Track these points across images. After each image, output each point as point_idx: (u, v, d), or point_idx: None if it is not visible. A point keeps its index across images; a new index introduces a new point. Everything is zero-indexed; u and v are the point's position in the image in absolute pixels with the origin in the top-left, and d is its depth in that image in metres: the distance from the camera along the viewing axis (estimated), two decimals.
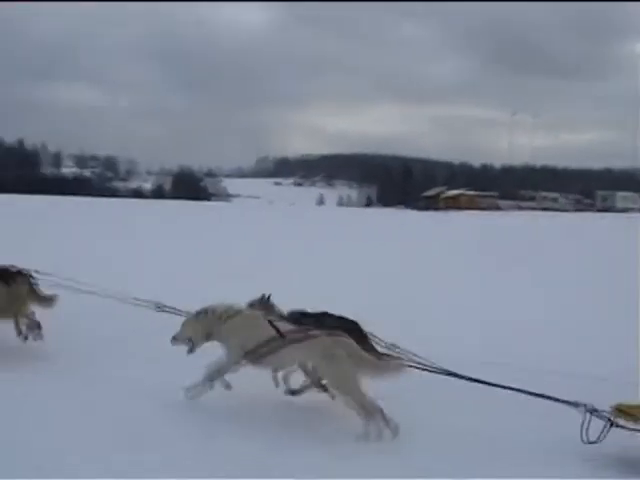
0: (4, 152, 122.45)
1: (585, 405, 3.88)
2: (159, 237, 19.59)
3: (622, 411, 3.77)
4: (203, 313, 4.32)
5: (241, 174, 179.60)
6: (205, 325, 4.25)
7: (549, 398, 4.03)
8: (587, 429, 3.75)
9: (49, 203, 43.58)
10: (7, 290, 5.14)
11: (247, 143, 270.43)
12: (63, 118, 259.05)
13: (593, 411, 3.86)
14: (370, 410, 3.82)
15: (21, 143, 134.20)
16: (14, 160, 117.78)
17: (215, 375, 4.15)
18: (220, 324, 4.21)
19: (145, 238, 18.95)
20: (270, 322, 4.15)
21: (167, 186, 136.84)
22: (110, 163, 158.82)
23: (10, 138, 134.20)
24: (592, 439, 3.73)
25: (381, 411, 3.83)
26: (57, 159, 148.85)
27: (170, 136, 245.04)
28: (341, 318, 4.52)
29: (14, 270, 5.48)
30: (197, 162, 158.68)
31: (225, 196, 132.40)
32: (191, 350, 4.31)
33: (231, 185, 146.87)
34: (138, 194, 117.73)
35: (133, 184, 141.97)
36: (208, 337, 4.29)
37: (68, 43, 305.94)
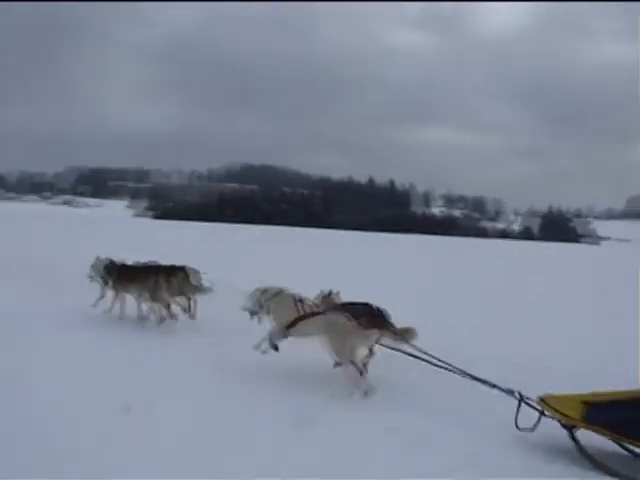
0: (376, 192, 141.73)
1: (514, 392, 4.18)
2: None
3: (544, 401, 3.98)
4: (262, 291, 5.55)
5: (610, 215, 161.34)
6: (260, 300, 5.53)
7: (490, 384, 4.41)
8: (516, 415, 4.09)
9: (419, 242, 48.53)
10: (168, 280, 7.02)
11: (617, 182, 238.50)
12: (432, 159, 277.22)
13: (523, 399, 4.14)
14: (355, 371, 4.82)
15: (392, 183, 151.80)
16: (385, 200, 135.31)
17: (270, 339, 5.31)
18: (268, 300, 5.50)
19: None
20: (296, 303, 5.29)
21: (535, 227, 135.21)
22: (478, 203, 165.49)
23: (381, 179, 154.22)
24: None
25: (363, 374, 4.87)
26: (426, 199, 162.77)
27: (538, 176, 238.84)
28: (366, 304, 5.59)
29: (179, 266, 7.20)
30: (566, 202, 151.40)
31: (595, 238, 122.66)
32: (252, 316, 5.54)
33: (601, 227, 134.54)
34: (506, 235, 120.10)
35: (501, 224, 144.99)
36: (263, 309, 5.46)
37: (429, 86, 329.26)
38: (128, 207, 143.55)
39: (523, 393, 4.18)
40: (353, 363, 4.84)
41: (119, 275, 7.14)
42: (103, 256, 7.39)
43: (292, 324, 5.13)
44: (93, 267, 7.30)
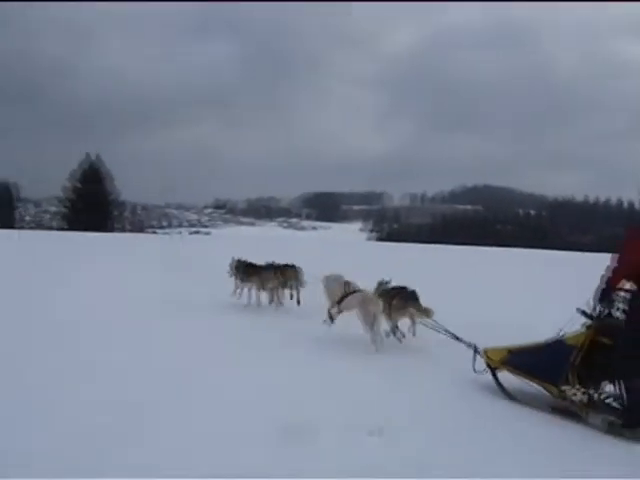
0: (616, 212, 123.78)
1: (472, 345, 5.56)
2: None
3: (485, 352, 5.33)
4: (326, 276, 7.45)
5: None
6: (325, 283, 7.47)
7: (458, 339, 5.85)
8: (474, 362, 5.50)
9: None
10: (278, 275, 9.29)
11: None
12: None
13: (476, 350, 5.51)
14: (376, 334, 6.59)
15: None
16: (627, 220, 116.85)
17: (328, 312, 7.13)
18: (328, 282, 7.40)
19: None
20: (344, 286, 7.11)
21: None
22: None
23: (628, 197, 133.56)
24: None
25: (381, 338, 6.69)
26: None
27: None
28: (404, 288, 7.13)
29: (290, 265, 9.37)
30: None
31: None
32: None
33: None
34: None
35: None
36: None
37: None
38: (361, 230, 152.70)
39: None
40: (372, 329, 6.60)
41: (244, 271, 9.46)
42: (242, 258, 9.65)
43: (340, 300, 7.10)
44: (230, 265, 9.56)
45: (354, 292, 6.99)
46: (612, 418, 4.29)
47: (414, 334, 7.04)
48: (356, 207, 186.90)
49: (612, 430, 4.21)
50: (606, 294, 4.38)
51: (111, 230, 61.57)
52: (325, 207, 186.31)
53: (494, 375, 5.21)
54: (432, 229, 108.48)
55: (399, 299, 6.93)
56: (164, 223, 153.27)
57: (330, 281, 7.36)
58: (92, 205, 63.38)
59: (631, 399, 4.23)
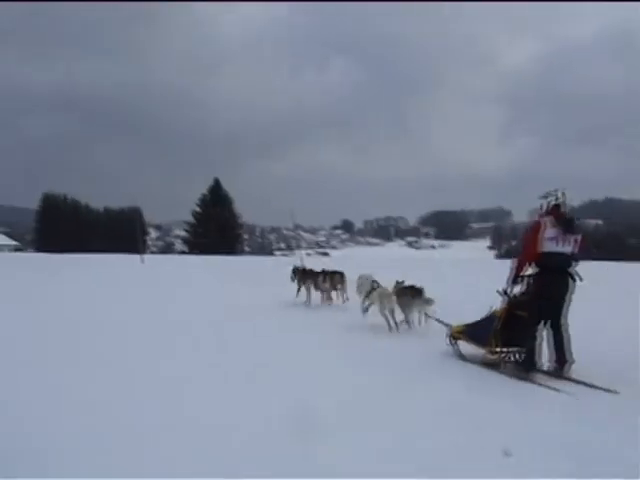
0: None
1: (448, 325, 7.39)
2: None
3: (452, 328, 7.18)
4: (361, 276, 9.49)
5: None
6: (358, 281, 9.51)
7: (438, 321, 7.67)
8: (448, 339, 7.31)
9: None
10: (327, 279, 11.66)
11: None
12: None
13: (447, 327, 7.35)
14: (391, 321, 8.57)
15: None
16: None
17: (362, 305, 9.16)
18: (360, 280, 9.40)
19: None
20: (373, 282, 9.06)
21: None
22: None
23: None
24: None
25: (395, 323, 8.61)
26: None
27: None
28: (413, 286, 8.93)
29: (338, 271, 11.66)
30: None
31: None
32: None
33: None
34: None
35: None
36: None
37: None
38: (489, 247, 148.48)
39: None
40: (386, 316, 8.65)
41: (302, 275, 12.05)
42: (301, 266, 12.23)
43: (367, 295, 9.15)
44: (292, 271, 12.22)
45: (374, 289, 9.03)
46: (516, 367, 6.04)
47: (420, 323, 8.95)
48: (484, 224, 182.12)
49: (515, 375, 5.95)
50: (515, 279, 6.14)
51: (241, 253, 63.63)
52: (449, 225, 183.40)
53: (455, 344, 7.06)
54: None
55: (408, 294, 8.88)
56: (282, 245, 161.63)
57: (362, 279, 9.48)
58: (221, 229, 65.71)
59: (526, 353, 5.98)
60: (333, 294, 11.89)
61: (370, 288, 9.05)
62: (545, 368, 6.10)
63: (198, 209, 70.17)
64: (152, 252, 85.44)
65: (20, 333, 8.37)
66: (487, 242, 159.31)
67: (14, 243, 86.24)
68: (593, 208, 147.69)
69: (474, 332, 6.69)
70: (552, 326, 6.04)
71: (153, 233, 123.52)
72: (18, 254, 61.48)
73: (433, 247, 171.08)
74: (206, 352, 7.20)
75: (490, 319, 6.45)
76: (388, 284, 9.12)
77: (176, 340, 8.00)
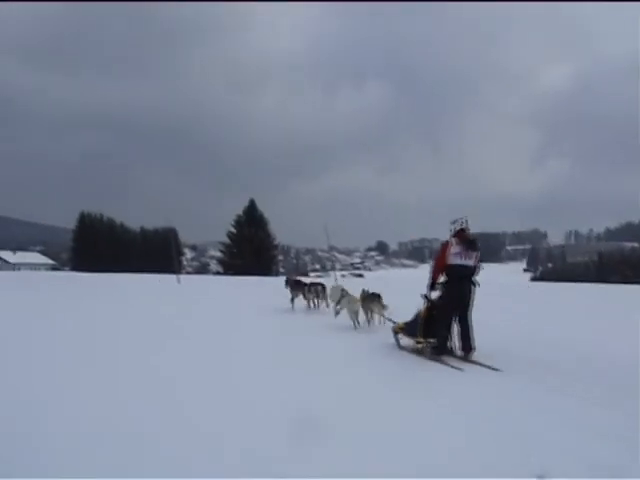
0: None
1: (394, 323, 9.26)
2: None
3: (397, 324, 9.07)
4: (333, 286, 11.65)
5: None
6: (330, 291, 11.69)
7: (390, 320, 9.55)
8: (395, 337, 9.19)
9: None
10: (310, 290, 13.90)
11: None
12: None
13: (394, 324, 9.22)
14: (355, 321, 10.42)
15: None
16: None
17: (334, 310, 11.19)
18: (332, 290, 11.52)
19: None
20: (342, 291, 10.98)
21: None
22: None
23: None
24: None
25: (358, 322, 10.49)
26: None
27: None
28: (374, 293, 10.67)
29: (319, 283, 14.16)
30: None
31: None
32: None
33: None
34: None
35: None
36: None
37: None
38: (525, 270, 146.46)
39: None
40: (353, 318, 10.55)
41: (292, 286, 14.16)
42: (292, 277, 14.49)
43: (338, 301, 11.14)
44: (285, 281, 14.54)
45: (344, 295, 11.01)
46: (433, 352, 7.93)
47: (378, 323, 10.74)
48: (519, 246, 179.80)
49: (432, 357, 7.81)
50: (432, 285, 8.05)
51: (276, 274, 62.59)
52: (484, 248, 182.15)
53: (396, 338, 8.94)
54: (586, 267, 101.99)
55: (369, 300, 10.78)
56: (317, 266, 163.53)
57: (333, 289, 11.55)
58: (256, 250, 64.93)
59: (437, 342, 7.85)
60: (316, 301, 13.89)
61: (340, 296, 11.01)
62: (458, 354, 7.94)
63: (233, 230, 69.25)
64: (187, 272, 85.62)
65: (37, 341, 8.76)
66: (523, 264, 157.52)
67: (50, 262, 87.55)
68: (629, 230, 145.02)
69: (409, 328, 8.58)
70: (459, 321, 7.90)
71: (188, 253, 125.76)
72: (55, 273, 60.22)
73: None
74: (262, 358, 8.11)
75: (416, 317, 8.35)
76: (357, 293, 11.08)
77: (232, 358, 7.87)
